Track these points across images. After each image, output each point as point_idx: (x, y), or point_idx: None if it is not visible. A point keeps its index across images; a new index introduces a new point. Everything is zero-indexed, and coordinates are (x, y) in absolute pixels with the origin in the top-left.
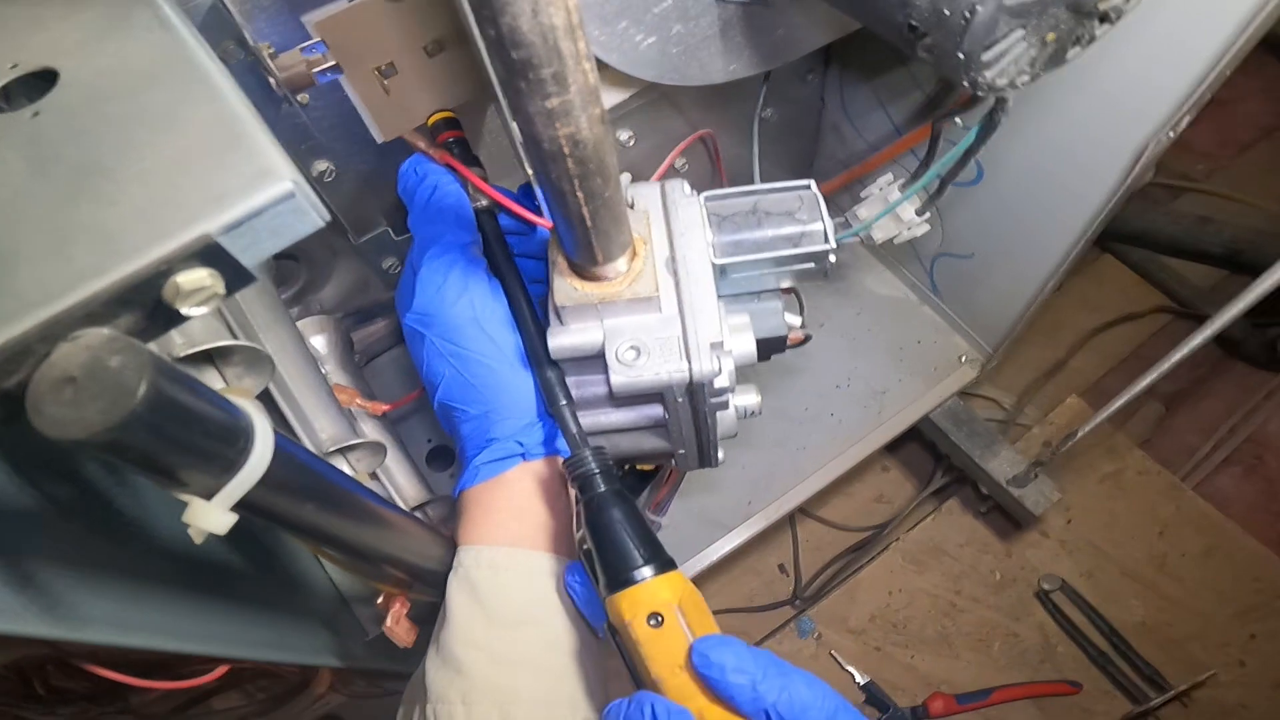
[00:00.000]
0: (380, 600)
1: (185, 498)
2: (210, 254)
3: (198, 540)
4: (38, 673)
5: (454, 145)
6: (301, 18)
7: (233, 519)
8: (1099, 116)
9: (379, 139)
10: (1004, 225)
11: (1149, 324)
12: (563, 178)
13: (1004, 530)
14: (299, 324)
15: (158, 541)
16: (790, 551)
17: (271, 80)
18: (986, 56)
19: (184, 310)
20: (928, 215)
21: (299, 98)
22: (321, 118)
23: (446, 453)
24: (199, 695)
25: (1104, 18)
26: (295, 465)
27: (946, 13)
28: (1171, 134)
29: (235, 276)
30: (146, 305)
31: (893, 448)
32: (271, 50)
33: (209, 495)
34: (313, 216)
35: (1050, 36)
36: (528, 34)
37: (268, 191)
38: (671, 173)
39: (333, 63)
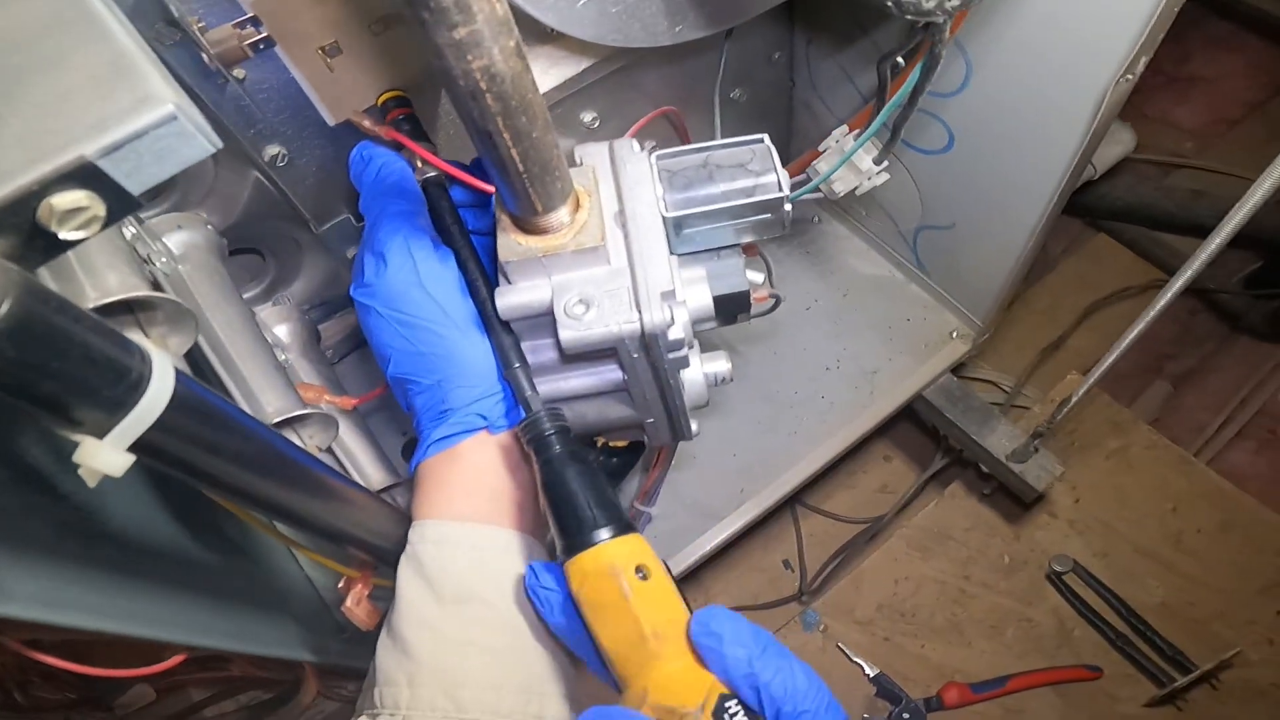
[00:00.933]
0: (341, 583)
1: (76, 436)
2: (87, 175)
3: (90, 482)
4: (17, 683)
5: (404, 122)
6: None
7: (128, 460)
8: (1058, 64)
9: (329, 121)
10: (979, 191)
11: (1146, 299)
12: (485, 116)
13: (1010, 513)
14: (260, 312)
15: (106, 526)
16: (794, 547)
17: (204, 56)
18: None
19: (62, 234)
20: (885, 164)
21: (235, 73)
22: (268, 100)
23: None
24: (189, 709)
25: None
26: (206, 409)
27: None
28: (1130, 77)
29: (117, 200)
30: (22, 228)
31: (895, 436)
32: (202, 25)
33: (101, 435)
34: (200, 141)
35: None
36: None
37: (149, 115)
38: None
39: (265, 34)
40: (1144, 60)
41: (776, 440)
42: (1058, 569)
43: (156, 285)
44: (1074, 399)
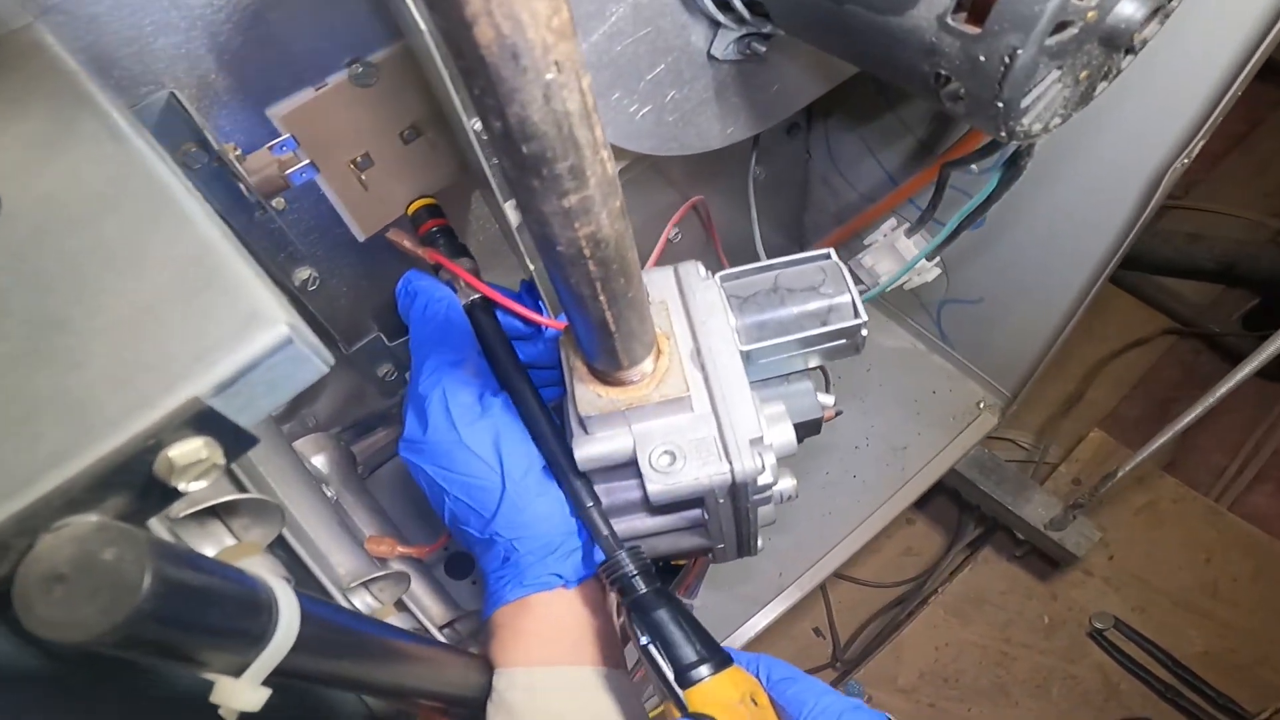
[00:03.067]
0: None
1: (211, 676)
2: (202, 420)
3: (229, 719)
4: None
5: (439, 235)
6: (267, 111)
7: (265, 694)
8: (1110, 149)
9: (360, 237)
10: (1013, 267)
11: (1156, 347)
12: (583, 282)
13: (1043, 572)
14: (296, 445)
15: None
16: (823, 613)
17: (242, 186)
18: (1025, 102)
19: (181, 486)
20: (938, 260)
21: (274, 203)
22: (298, 221)
23: (464, 559)
24: None
25: (1131, 49)
26: (325, 626)
27: (981, 59)
28: (1186, 160)
29: (234, 441)
30: (136, 484)
31: (916, 499)
32: (238, 152)
33: (237, 672)
34: (315, 363)
35: (1083, 75)
36: (540, 124)
37: (260, 340)
38: (667, 245)
39: (307, 161)
40: (1201, 145)
41: (812, 523)
42: (1099, 626)
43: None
44: (1120, 473)
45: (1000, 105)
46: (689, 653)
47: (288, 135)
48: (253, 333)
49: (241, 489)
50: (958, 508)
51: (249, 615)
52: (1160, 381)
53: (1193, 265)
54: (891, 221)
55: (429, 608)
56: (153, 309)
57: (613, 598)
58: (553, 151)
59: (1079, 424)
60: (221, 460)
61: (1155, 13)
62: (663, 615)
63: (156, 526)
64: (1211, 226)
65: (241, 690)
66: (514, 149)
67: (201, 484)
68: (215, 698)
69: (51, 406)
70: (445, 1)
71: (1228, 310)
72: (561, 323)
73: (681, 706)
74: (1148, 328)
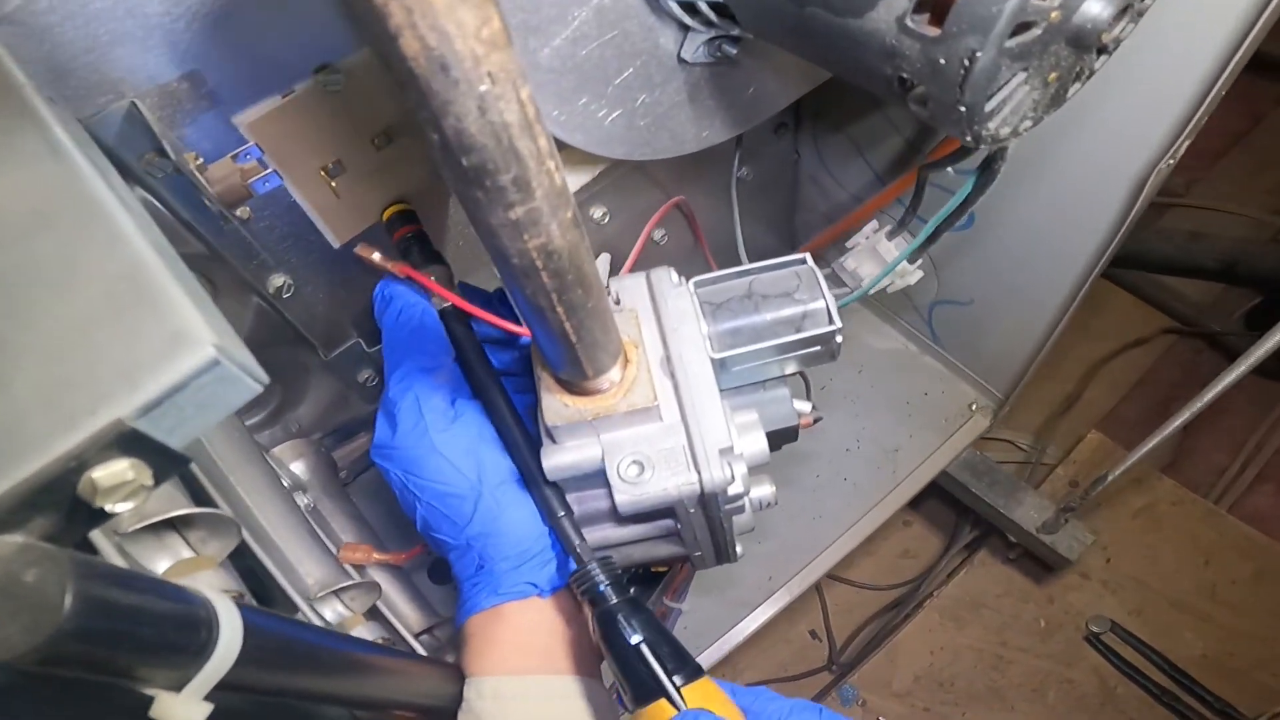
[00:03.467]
0: None
1: (150, 691)
2: (128, 441)
3: None
4: None
5: (413, 241)
6: (233, 119)
7: (207, 709)
8: (1095, 150)
9: (334, 244)
10: (1003, 269)
11: (1155, 346)
12: (539, 293)
13: (1039, 575)
14: (275, 451)
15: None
16: (819, 616)
17: (204, 198)
18: (989, 106)
19: (107, 507)
20: (920, 262)
21: (238, 212)
22: (269, 228)
23: (447, 565)
24: None
25: (1103, 49)
26: (273, 640)
27: (941, 61)
28: (1171, 161)
29: (164, 462)
30: (61, 505)
31: (913, 501)
32: (200, 161)
33: (178, 687)
34: (247, 383)
35: (1052, 76)
36: (477, 136)
37: (187, 360)
38: (651, 245)
39: (270, 169)
40: (1186, 145)
41: (802, 526)
42: (1095, 629)
43: None
44: (1110, 477)
45: (964, 109)
46: (659, 664)
47: (252, 143)
48: (179, 353)
49: (203, 499)
50: (954, 510)
51: (185, 631)
52: (1160, 381)
53: (1194, 263)
54: (873, 224)
55: (405, 615)
56: (81, 328)
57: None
58: (494, 164)
59: (1077, 424)
60: (150, 481)
61: (1124, 11)
62: (633, 625)
63: (103, 542)
64: (1213, 224)
65: (181, 705)
66: (454, 161)
67: (129, 505)
68: (155, 712)
69: None
70: (368, 13)
71: (1229, 309)
72: (528, 331)
73: (676, 704)
74: (1147, 327)
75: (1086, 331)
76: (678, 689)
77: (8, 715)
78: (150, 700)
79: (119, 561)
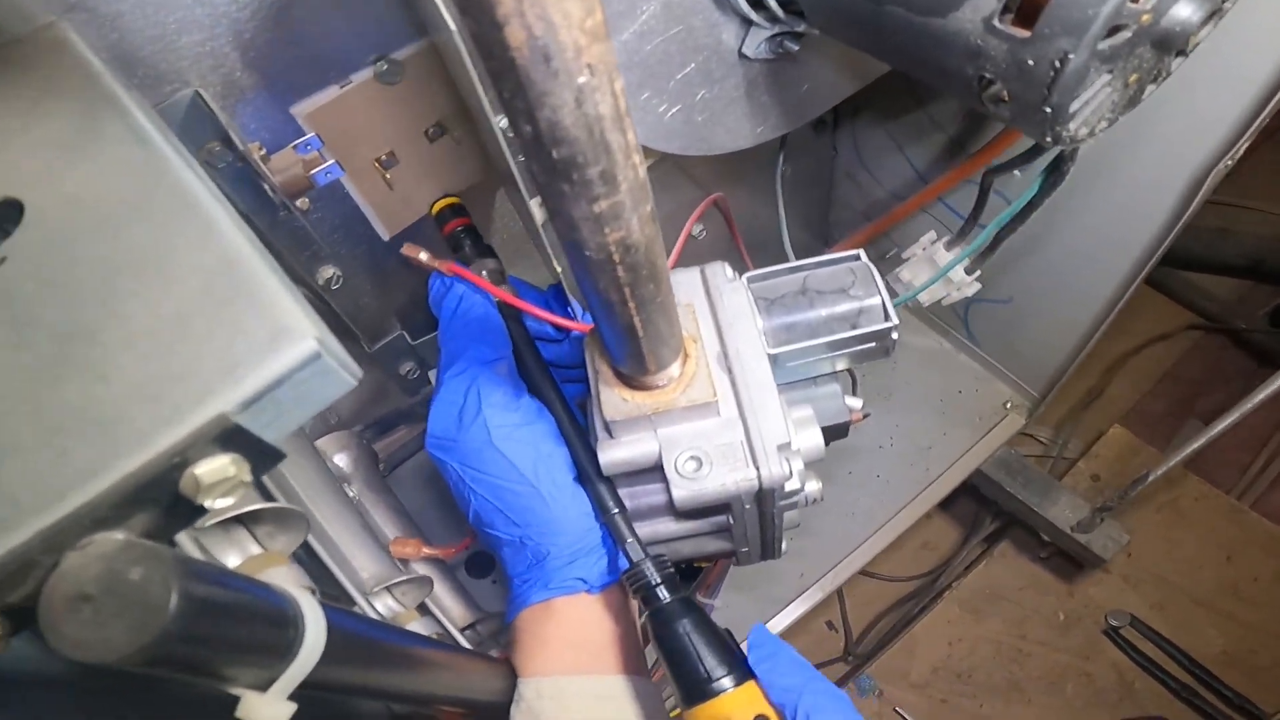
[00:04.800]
0: None
1: (237, 691)
2: (229, 436)
3: None
4: None
5: (464, 236)
6: (291, 109)
7: (291, 708)
8: (1156, 150)
9: (384, 236)
10: (1045, 269)
11: (1179, 342)
12: (611, 287)
13: (1062, 570)
14: (318, 443)
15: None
16: (836, 607)
17: (266, 186)
18: (1074, 107)
19: (207, 504)
20: (978, 274)
21: (298, 203)
22: (323, 220)
23: (485, 558)
24: None
25: (1182, 51)
26: (349, 638)
27: (1030, 63)
28: (1230, 162)
29: (261, 457)
30: (162, 501)
31: None
32: (263, 152)
33: (263, 686)
34: (343, 377)
35: (1133, 78)
36: (571, 128)
37: (289, 354)
38: (689, 240)
39: (332, 161)
40: (1247, 145)
41: (834, 522)
42: (1115, 624)
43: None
44: (1151, 478)
45: (1048, 110)
46: (709, 665)
47: (312, 134)
48: (281, 346)
49: (266, 495)
50: (976, 503)
51: (275, 630)
52: (1183, 378)
53: (1220, 260)
54: (930, 234)
55: (450, 609)
56: (180, 320)
57: (635, 602)
58: (584, 156)
59: (1099, 419)
60: (248, 477)
61: (1212, 15)
62: (685, 625)
63: (181, 537)
64: (1240, 221)
65: (268, 705)
66: (544, 154)
67: (228, 500)
68: (241, 713)
69: (78, 420)
70: (477, 2)
71: (1255, 306)
72: (587, 325)
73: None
74: (1172, 323)
75: (1110, 327)
76: (716, 693)
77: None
78: (235, 700)
79: (198, 557)
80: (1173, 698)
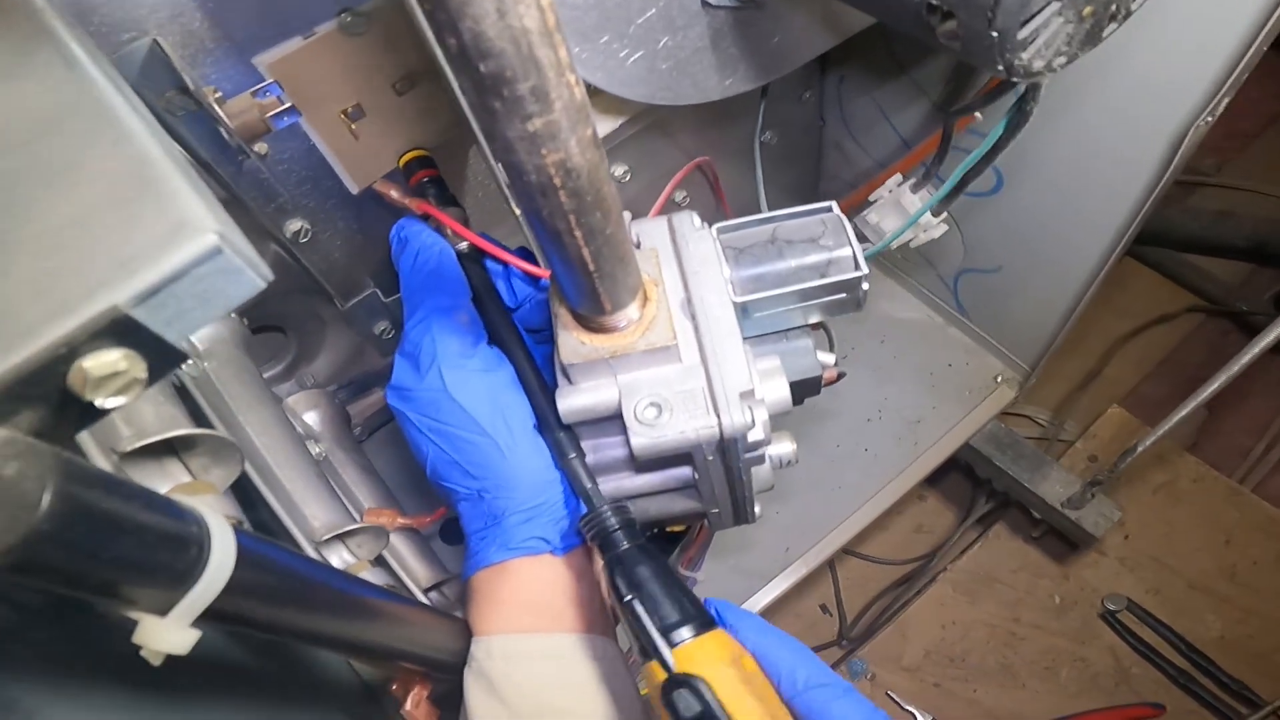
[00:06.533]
0: (396, 686)
1: (134, 614)
2: (122, 330)
3: (154, 662)
4: None
5: (429, 186)
6: (254, 60)
7: (194, 635)
8: (1129, 104)
9: (353, 189)
10: (1031, 234)
11: (1181, 325)
12: (556, 215)
13: (1057, 552)
14: (288, 401)
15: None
16: (830, 590)
17: (223, 130)
18: (1022, 34)
19: (98, 402)
20: (945, 215)
21: (256, 148)
22: (288, 172)
23: (458, 525)
24: None
25: None
26: (268, 567)
27: None
28: (1210, 118)
29: (159, 356)
30: (50, 398)
31: (929, 476)
32: (218, 95)
33: (163, 611)
34: (249, 276)
35: (1087, 10)
36: (495, 40)
37: (187, 248)
38: (672, 206)
39: (288, 104)
40: (1226, 101)
41: (820, 496)
42: (1111, 607)
43: (184, 391)
44: (1140, 448)
45: (995, 35)
46: (672, 612)
47: (272, 81)
48: (179, 241)
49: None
50: (971, 484)
51: (173, 548)
52: (1185, 361)
53: (1222, 242)
54: (897, 178)
55: (414, 569)
56: (81, 221)
57: (599, 562)
58: (512, 71)
59: (1098, 401)
60: (143, 374)
61: None
62: (644, 572)
63: (101, 461)
64: (1243, 205)
65: (165, 630)
66: (471, 68)
67: (121, 400)
68: (137, 638)
69: None
70: None
71: (1258, 290)
72: (547, 272)
73: (666, 665)
74: (1173, 305)
75: (1111, 307)
76: (676, 644)
77: (12, 657)
78: (134, 625)
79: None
80: (1169, 683)
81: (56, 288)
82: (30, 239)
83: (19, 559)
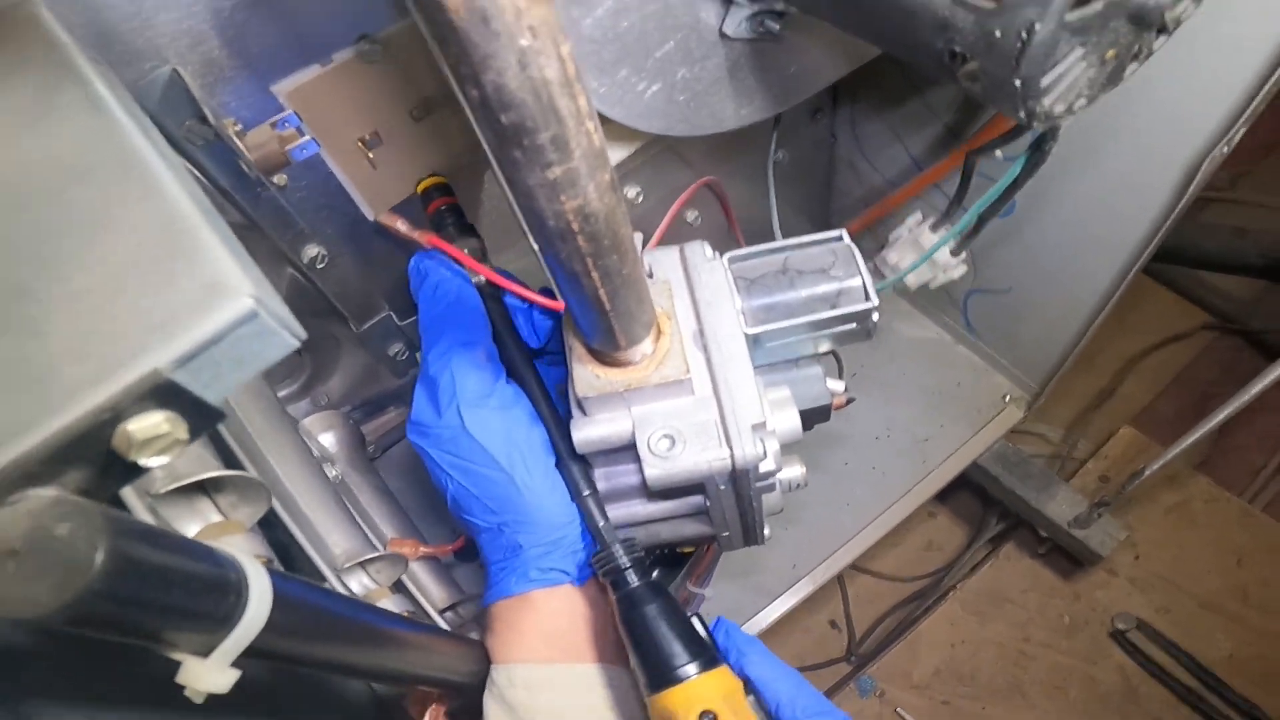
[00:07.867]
0: (412, 704)
1: (178, 656)
2: (164, 393)
3: (197, 700)
4: None
5: (447, 214)
6: (272, 88)
7: (234, 675)
8: (1146, 134)
9: (370, 217)
10: (1043, 257)
11: (1194, 343)
12: (573, 257)
13: (1067, 570)
14: (304, 422)
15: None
16: (840, 607)
17: (242, 163)
18: (1045, 81)
19: (141, 462)
20: (964, 255)
21: (275, 179)
22: (305, 199)
23: (473, 544)
24: None
25: (1163, 29)
26: (301, 607)
27: (997, 34)
28: (1226, 148)
29: (199, 416)
30: (95, 459)
31: (940, 492)
32: (238, 127)
33: (205, 653)
34: (283, 337)
35: (1110, 54)
36: (516, 92)
37: (224, 312)
38: (683, 226)
39: (308, 137)
40: (1242, 133)
41: (828, 514)
42: (1121, 627)
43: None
44: (1147, 472)
45: (1018, 84)
46: (676, 650)
47: (290, 111)
48: (216, 304)
49: (233, 465)
50: (981, 503)
51: (215, 595)
52: (1198, 379)
53: (1238, 260)
54: (916, 215)
55: (430, 590)
56: (116, 278)
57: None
58: (533, 121)
59: (1110, 420)
60: (185, 435)
61: None
62: (652, 610)
63: (135, 503)
64: (1258, 221)
65: (208, 671)
66: (492, 119)
67: (164, 459)
68: (181, 679)
69: (10, 375)
70: None
71: (1273, 308)
72: (561, 303)
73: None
74: (1186, 323)
75: (1123, 326)
76: (680, 680)
77: (31, 677)
78: (176, 666)
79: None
80: (1178, 702)
81: (98, 350)
82: (65, 298)
83: (73, 615)
